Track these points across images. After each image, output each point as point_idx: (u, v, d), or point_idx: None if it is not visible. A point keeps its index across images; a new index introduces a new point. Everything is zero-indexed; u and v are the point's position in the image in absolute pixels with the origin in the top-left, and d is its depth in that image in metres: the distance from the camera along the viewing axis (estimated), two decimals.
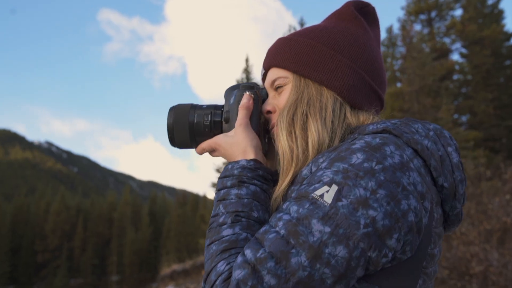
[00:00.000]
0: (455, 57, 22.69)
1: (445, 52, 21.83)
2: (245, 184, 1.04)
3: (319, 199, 0.85)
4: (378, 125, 0.99)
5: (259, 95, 1.21)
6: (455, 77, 22.23)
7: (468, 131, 17.43)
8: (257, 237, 0.89)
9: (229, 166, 1.08)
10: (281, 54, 1.16)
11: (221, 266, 0.89)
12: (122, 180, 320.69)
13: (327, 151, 0.99)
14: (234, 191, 1.02)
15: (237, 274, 0.84)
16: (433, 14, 22.28)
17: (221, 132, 1.19)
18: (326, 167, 0.91)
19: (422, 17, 22.24)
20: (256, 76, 27.96)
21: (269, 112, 1.19)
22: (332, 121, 1.07)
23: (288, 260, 0.82)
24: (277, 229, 0.87)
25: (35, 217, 64.13)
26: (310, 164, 1.00)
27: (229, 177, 1.06)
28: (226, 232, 0.96)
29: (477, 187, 12.01)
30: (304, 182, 0.94)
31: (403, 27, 22.37)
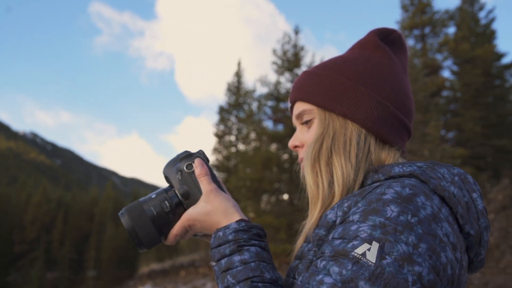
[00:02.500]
0: (446, 74, 22.84)
1: (436, 69, 21.98)
2: (245, 248, 1.00)
3: (362, 258, 0.83)
4: (405, 168, 0.99)
5: (205, 158, 1.18)
6: (445, 93, 22.43)
7: (455, 148, 17.58)
8: None
9: (220, 234, 1.02)
10: (305, 88, 1.16)
11: None
12: (105, 175, 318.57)
13: (352, 195, 0.98)
14: (237, 258, 0.98)
15: None
16: (427, 30, 22.44)
17: (185, 210, 1.13)
18: (359, 220, 0.89)
19: (416, 32, 22.37)
20: (247, 79, 28.05)
21: (296, 147, 1.20)
22: (356, 155, 1.07)
23: None
24: None
25: (15, 208, 63.33)
26: (336, 209, 0.98)
27: (225, 245, 1.00)
28: None
29: None
30: (336, 235, 0.92)
31: None
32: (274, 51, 20.76)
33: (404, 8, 22.80)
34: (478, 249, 1.00)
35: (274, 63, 20.66)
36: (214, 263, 1.01)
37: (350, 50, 1.22)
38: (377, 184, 0.97)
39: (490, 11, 25.43)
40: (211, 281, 19.03)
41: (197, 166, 1.13)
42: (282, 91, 20.52)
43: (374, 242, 0.84)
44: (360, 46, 1.19)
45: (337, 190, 1.04)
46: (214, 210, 1.08)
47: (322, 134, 1.10)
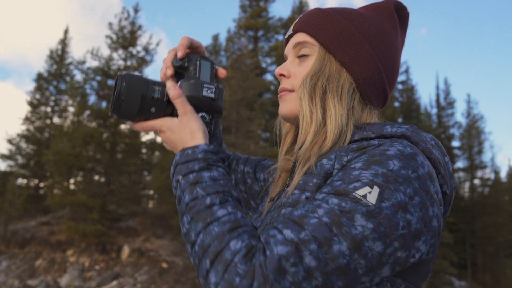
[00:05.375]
0: (270, 77, 24.37)
1: (263, 71, 23.33)
2: (214, 167, 1.05)
3: (362, 199, 0.89)
4: (396, 129, 1.06)
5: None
6: (268, 95, 23.89)
7: (272, 148, 18.85)
8: (294, 220, 0.90)
9: (189, 151, 1.07)
10: (315, 24, 1.17)
11: (236, 245, 0.89)
12: None
13: (351, 150, 1.03)
14: (206, 174, 1.02)
15: (280, 250, 0.85)
16: (260, 33, 23.68)
17: (172, 114, 1.17)
18: (362, 168, 0.95)
19: (250, 33, 23.45)
20: (73, 49, 26.23)
21: (282, 75, 1.20)
22: (347, 102, 1.11)
23: (330, 247, 0.85)
24: (317, 215, 0.89)
25: None
26: (333, 160, 1.03)
27: (193, 161, 1.04)
28: (221, 212, 0.95)
29: None
30: (336, 178, 0.97)
31: (231, 38, 23.28)
32: (110, 25, 19.80)
33: (243, 8, 23.77)
34: (448, 207, 1.10)
35: (109, 37, 19.70)
36: (181, 177, 1.03)
37: (365, 8, 1.25)
38: (377, 142, 1.02)
39: None
40: (7, 260, 17.41)
41: (169, 88, 1.13)
42: (113, 67, 19.67)
43: (375, 187, 0.90)
44: (376, 8, 1.23)
45: (330, 129, 1.07)
46: (185, 128, 1.11)
47: (318, 72, 1.13)
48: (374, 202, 0.88)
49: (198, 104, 1.15)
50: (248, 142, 16.36)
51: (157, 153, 27.08)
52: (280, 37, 23.99)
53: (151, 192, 27.17)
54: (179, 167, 1.06)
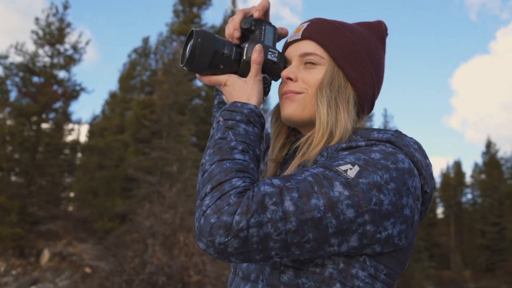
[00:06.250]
0: (200, 83, 24.38)
1: (193, 77, 23.33)
2: (251, 124, 1.15)
3: (343, 172, 1.01)
4: (382, 135, 1.15)
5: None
6: (198, 101, 23.88)
7: (200, 153, 18.87)
8: (283, 176, 1.04)
9: (238, 104, 1.17)
10: (327, 35, 1.26)
11: (237, 182, 1.01)
12: None
13: (341, 150, 1.14)
14: (243, 126, 1.13)
15: (266, 188, 0.98)
16: None
17: (237, 71, 1.27)
18: (347, 154, 1.08)
19: (182, 38, 23.37)
20: None
21: (289, 79, 1.27)
22: (352, 113, 1.23)
23: (309, 199, 0.97)
24: (304, 176, 1.02)
25: None
26: (325, 156, 1.15)
27: (238, 113, 1.15)
28: (238, 156, 1.07)
29: None
30: (322, 160, 1.13)
31: (163, 42, 23.13)
32: (37, 20, 19.01)
33: (176, 13, 23.66)
34: (428, 205, 1.20)
35: (35, 32, 18.90)
36: (221, 119, 1.15)
37: (360, 25, 1.35)
38: (365, 143, 1.13)
39: None
40: None
41: (256, 50, 1.23)
42: (39, 64, 18.90)
43: (356, 166, 1.02)
44: (370, 28, 1.35)
45: (337, 134, 1.18)
46: (244, 88, 1.22)
47: (330, 83, 1.22)
48: (352, 176, 1.01)
49: (262, 66, 1.25)
50: (179, 146, 16.34)
51: (79, 155, 26.25)
52: None
53: (72, 194, 26.25)
54: (224, 112, 1.16)
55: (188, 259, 11.72)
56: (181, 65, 1.24)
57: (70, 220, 19.54)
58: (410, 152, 1.12)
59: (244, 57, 1.24)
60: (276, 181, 1.01)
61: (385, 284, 1.11)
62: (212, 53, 1.20)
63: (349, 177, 1.00)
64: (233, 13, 27.54)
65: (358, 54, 1.25)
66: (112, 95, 32.43)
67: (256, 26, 1.27)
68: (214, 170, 1.04)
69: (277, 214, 0.96)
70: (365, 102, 1.27)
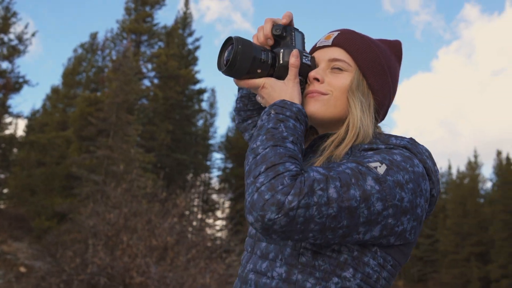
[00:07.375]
0: (148, 83, 24.10)
1: (142, 76, 23.01)
2: (299, 122, 1.23)
3: (374, 168, 1.12)
4: (399, 141, 1.27)
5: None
6: (146, 101, 23.56)
7: (146, 154, 18.60)
8: (324, 166, 1.15)
9: (288, 102, 1.25)
10: (356, 46, 1.37)
11: (291, 166, 1.09)
12: None
13: (363, 150, 1.26)
14: (292, 121, 1.21)
15: (316, 175, 1.07)
16: (144, 38, 23.34)
17: (272, 75, 1.34)
18: (373, 154, 1.20)
19: (133, 36, 23.01)
20: None
21: (316, 79, 1.36)
22: (373, 118, 1.35)
23: (348, 189, 1.07)
24: (342, 168, 1.12)
25: None
26: (349, 154, 1.27)
27: (287, 109, 1.23)
28: (290, 145, 1.15)
29: (152, 206, 13.02)
30: (346, 157, 1.25)
31: (112, 39, 22.67)
32: None
33: (127, 10, 23.24)
34: (433, 207, 1.31)
35: None
36: (273, 112, 1.22)
37: (382, 42, 1.47)
38: (384, 147, 1.25)
39: (197, 39, 28.27)
40: None
41: (293, 55, 1.32)
42: None
43: (383, 165, 1.14)
44: (390, 46, 1.47)
45: (361, 135, 1.29)
46: (285, 90, 1.30)
47: (358, 89, 1.33)
48: (382, 173, 1.12)
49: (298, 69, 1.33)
50: (125, 146, 16.03)
51: (15, 150, 25.19)
52: (161, 44, 23.95)
53: (5, 190, 25.16)
54: (275, 106, 1.24)
55: (131, 260, 11.49)
56: (220, 71, 1.32)
57: (5, 217, 18.68)
58: (423, 159, 1.25)
59: (281, 62, 1.33)
60: (321, 170, 1.10)
61: (390, 274, 1.23)
62: (252, 59, 1.28)
63: (379, 173, 1.12)
64: (185, 15, 27.42)
65: (381, 67, 1.37)
66: (55, 90, 31.36)
67: (286, 32, 1.36)
68: (268, 153, 1.11)
69: (322, 199, 1.04)
70: (381, 111, 1.40)
